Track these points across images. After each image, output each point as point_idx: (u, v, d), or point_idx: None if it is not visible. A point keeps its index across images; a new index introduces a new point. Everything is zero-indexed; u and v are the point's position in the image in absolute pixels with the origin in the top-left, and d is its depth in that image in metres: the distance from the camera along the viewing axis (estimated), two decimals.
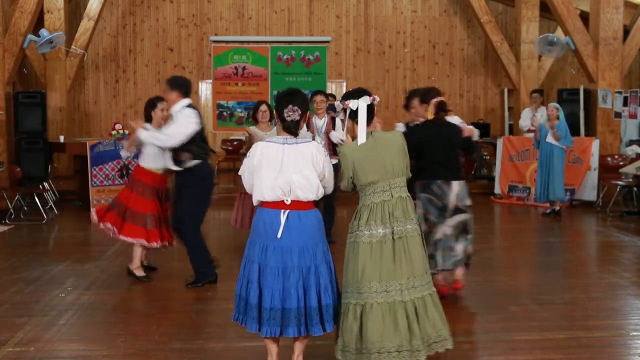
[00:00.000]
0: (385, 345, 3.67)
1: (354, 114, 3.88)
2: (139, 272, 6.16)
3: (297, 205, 3.74)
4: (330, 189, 3.89)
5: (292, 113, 3.77)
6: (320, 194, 3.80)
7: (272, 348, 3.93)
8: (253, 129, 7.71)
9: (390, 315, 3.70)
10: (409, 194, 3.94)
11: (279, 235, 3.68)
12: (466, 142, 5.53)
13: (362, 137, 3.84)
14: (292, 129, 3.80)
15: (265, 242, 3.73)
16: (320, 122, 7.69)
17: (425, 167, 5.18)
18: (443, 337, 3.80)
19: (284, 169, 3.72)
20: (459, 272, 5.46)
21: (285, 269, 3.69)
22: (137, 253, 6.14)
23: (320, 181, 3.79)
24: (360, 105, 3.84)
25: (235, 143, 12.99)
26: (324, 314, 3.75)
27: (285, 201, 3.73)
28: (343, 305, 3.83)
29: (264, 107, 7.72)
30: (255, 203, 3.85)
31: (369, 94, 3.93)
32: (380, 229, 3.79)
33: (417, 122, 5.55)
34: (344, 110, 3.91)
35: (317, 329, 3.74)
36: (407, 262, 3.79)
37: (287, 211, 3.72)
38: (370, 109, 3.89)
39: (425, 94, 5.46)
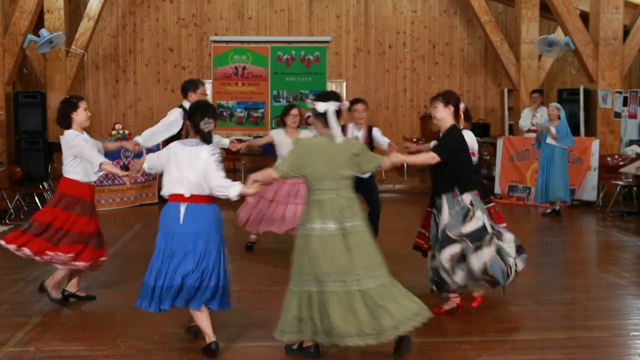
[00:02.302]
0: (348, 330, 4.02)
1: (321, 115, 4.24)
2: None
3: (195, 199, 4.27)
4: (217, 191, 4.26)
5: (208, 125, 4.32)
6: (211, 192, 4.28)
7: (202, 316, 4.38)
8: (278, 135, 7.24)
9: (348, 303, 4.03)
10: (354, 195, 4.28)
11: (180, 222, 4.25)
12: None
13: (338, 138, 4.20)
14: (208, 138, 4.35)
15: (169, 230, 4.29)
16: (358, 133, 7.07)
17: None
18: (410, 316, 4.10)
19: (184, 168, 4.27)
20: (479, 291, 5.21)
21: (183, 252, 4.25)
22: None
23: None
24: (329, 109, 4.20)
25: None
26: (211, 293, 4.30)
27: (185, 195, 4.27)
28: (292, 292, 4.20)
29: (295, 112, 7.17)
30: (163, 195, 4.40)
31: (340, 100, 4.28)
32: (331, 223, 4.12)
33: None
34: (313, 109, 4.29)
35: (214, 304, 4.34)
36: (361, 254, 4.12)
37: (187, 203, 4.27)
38: (340, 113, 4.28)
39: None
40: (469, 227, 4.84)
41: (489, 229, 4.93)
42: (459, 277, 4.90)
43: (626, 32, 11.48)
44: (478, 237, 4.86)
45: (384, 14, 14.57)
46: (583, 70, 11.85)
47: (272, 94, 12.80)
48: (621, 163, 10.79)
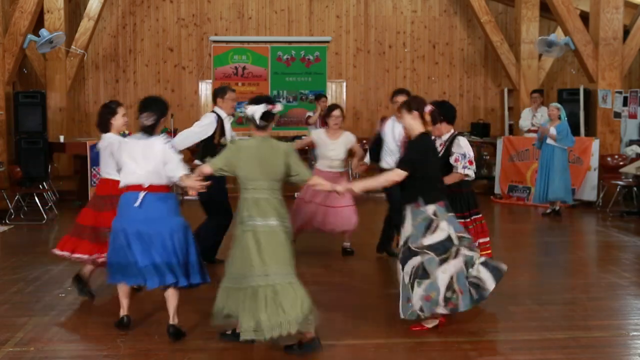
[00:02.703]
0: (249, 324, 4.22)
1: (252, 119, 4.41)
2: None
3: (152, 188, 4.56)
4: (176, 178, 4.56)
5: (146, 119, 4.64)
6: (169, 181, 4.59)
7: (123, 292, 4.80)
8: (319, 135, 7.08)
9: (255, 297, 4.23)
10: (281, 197, 4.43)
11: (138, 207, 4.54)
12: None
13: (257, 138, 4.46)
14: (148, 130, 4.64)
15: (129, 218, 4.57)
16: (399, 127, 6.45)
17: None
18: (301, 319, 4.20)
19: (139, 160, 4.58)
20: None
21: (147, 235, 4.53)
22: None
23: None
24: (256, 111, 4.38)
25: None
26: (185, 269, 4.61)
27: (143, 185, 4.56)
28: (226, 288, 4.41)
29: (337, 112, 6.84)
30: (121, 187, 4.67)
31: (272, 103, 4.45)
32: (259, 221, 4.31)
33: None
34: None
35: (182, 280, 4.59)
36: (275, 253, 4.29)
37: (144, 192, 4.55)
38: (269, 116, 4.43)
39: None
40: (432, 238, 4.61)
41: (456, 241, 4.65)
42: (417, 296, 4.58)
43: (626, 32, 11.48)
44: (443, 250, 4.60)
45: (384, 14, 14.57)
46: (583, 70, 11.85)
47: (272, 94, 12.78)
48: (621, 163, 10.79)
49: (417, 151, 4.70)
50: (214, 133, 6.50)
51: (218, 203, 6.54)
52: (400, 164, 4.73)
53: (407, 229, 4.69)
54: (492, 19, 13.54)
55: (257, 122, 4.40)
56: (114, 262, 4.64)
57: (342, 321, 5.04)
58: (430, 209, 4.65)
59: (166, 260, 4.53)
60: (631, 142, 11.64)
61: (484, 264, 4.71)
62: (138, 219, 4.54)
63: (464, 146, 5.38)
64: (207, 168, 4.47)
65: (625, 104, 11.51)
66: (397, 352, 4.47)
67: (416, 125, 4.73)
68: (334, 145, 6.93)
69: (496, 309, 5.32)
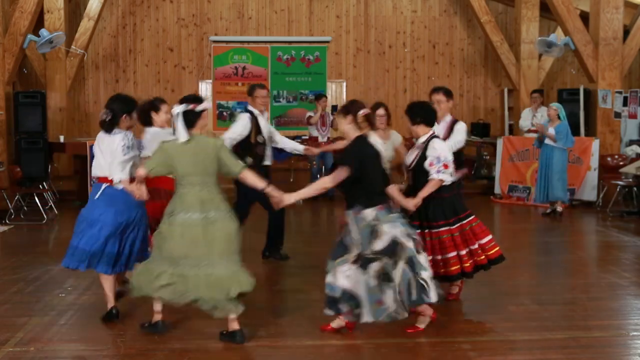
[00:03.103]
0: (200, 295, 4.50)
1: (176, 117, 4.56)
2: None
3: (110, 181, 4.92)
4: (115, 179, 4.89)
5: (104, 115, 4.92)
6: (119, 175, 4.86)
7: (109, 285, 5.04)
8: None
9: (197, 282, 4.49)
10: (219, 190, 4.64)
11: (96, 196, 4.96)
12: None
13: (181, 137, 4.53)
14: (105, 126, 4.95)
15: (92, 206, 5.00)
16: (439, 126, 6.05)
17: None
18: (232, 305, 4.51)
19: (106, 154, 4.92)
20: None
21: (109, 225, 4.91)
22: None
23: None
24: (178, 111, 4.55)
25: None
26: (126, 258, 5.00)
27: (108, 177, 4.91)
28: (155, 269, 4.56)
29: (381, 111, 6.20)
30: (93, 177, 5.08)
31: (196, 102, 4.61)
32: (194, 214, 4.50)
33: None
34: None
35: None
36: (218, 242, 4.50)
37: (106, 185, 4.93)
38: (192, 115, 4.57)
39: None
40: (379, 244, 4.52)
41: (402, 238, 4.55)
42: (390, 298, 4.50)
43: (626, 32, 11.48)
44: (392, 252, 4.52)
45: (384, 14, 14.57)
46: (583, 70, 11.85)
47: (272, 94, 12.80)
48: (621, 163, 10.79)
49: (352, 156, 4.58)
50: (250, 132, 6.69)
51: (241, 206, 6.56)
52: (342, 166, 4.58)
53: (355, 236, 4.58)
54: (492, 19, 13.54)
55: (180, 122, 4.53)
56: (85, 249, 4.93)
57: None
58: (370, 214, 4.54)
59: (116, 250, 4.94)
60: (631, 142, 11.64)
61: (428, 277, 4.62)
62: (97, 208, 4.95)
63: (438, 149, 5.05)
64: (142, 170, 4.63)
65: (625, 104, 11.51)
66: (396, 352, 4.47)
67: (350, 130, 4.68)
68: (385, 146, 6.21)
69: (496, 309, 5.32)
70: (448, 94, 5.81)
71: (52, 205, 9.95)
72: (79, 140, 11.61)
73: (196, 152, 4.52)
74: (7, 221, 9.28)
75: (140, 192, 4.71)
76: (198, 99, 4.67)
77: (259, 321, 4.98)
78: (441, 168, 5.00)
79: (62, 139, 11.43)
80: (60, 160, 12.68)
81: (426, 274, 4.57)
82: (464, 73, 14.70)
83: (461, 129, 5.69)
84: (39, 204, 9.61)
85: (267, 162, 6.87)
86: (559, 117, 9.63)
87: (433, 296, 4.59)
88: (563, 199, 9.83)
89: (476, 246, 5.23)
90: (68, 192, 11.08)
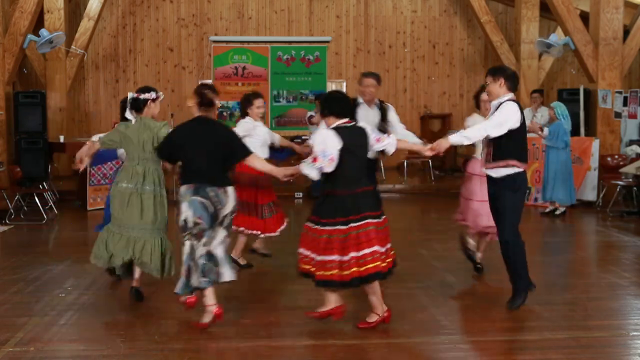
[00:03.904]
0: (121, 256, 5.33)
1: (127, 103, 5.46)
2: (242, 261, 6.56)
3: None
4: None
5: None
6: None
7: None
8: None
9: (128, 243, 5.32)
10: (157, 168, 5.36)
11: None
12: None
13: (131, 119, 5.40)
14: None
15: None
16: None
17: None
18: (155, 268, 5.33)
19: None
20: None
21: None
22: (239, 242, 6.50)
23: None
24: (128, 98, 5.45)
25: None
26: None
27: None
28: (105, 229, 5.45)
29: (484, 96, 6.16)
30: None
31: (144, 92, 5.39)
32: (129, 184, 5.29)
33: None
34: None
35: None
36: (146, 212, 5.28)
37: None
38: (138, 102, 5.36)
39: None
40: (179, 218, 4.81)
41: (190, 225, 4.71)
42: (194, 277, 4.75)
43: (626, 32, 11.47)
44: (183, 230, 4.79)
45: (384, 14, 14.57)
46: (583, 70, 11.85)
47: (272, 94, 12.80)
48: (621, 163, 10.78)
49: (169, 137, 5.04)
50: None
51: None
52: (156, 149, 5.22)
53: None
54: (492, 19, 13.54)
55: (129, 107, 5.42)
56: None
57: (342, 321, 5.04)
58: (182, 189, 4.82)
59: None
60: (631, 142, 11.63)
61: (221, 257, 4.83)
62: None
63: (316, 139, 4.70)
64: (96, 143, 5.35)
65: (625, 104, 11.50)
66: (396, 352, 4.47)
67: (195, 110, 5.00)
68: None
69: (496, 309, 5.32)
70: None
71: (52, 205, 9.95)
72: (79, 140, 11.60)
73: (139, 132, 5.24)
74: (7, 221, 9.28)
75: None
76: (147, 89, 5.43)
77: (259, 321, 4.98)
78: (310, 160, 4.64)
79: (62, 139, 11.43)
80: (60, 160, 12.68)
81: (202, 261, 4.72)
82: (464, 73, 14.70)
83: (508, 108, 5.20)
84: (39, 204, 9.61)
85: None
86: (557, 117, 9.61)
87: (202, 285, 4.73)
88: (562, 200, 9.79)
89: (348, 257, 4.59)
90: (68, 192, 11.08)
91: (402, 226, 8.82)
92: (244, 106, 6.39)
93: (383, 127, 6.17)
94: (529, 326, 4.93)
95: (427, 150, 5.19)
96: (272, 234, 6.42)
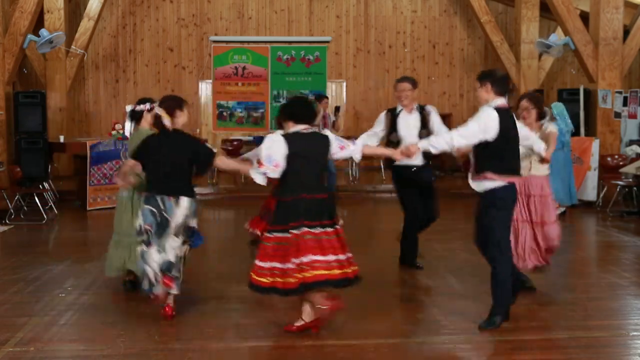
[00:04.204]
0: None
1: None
2: None
3: None
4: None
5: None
6: None
7: None
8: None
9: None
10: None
11: None
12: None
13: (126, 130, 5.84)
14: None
15: None
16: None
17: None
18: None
19: None
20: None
21: None
22: None
23: None
24: (128, 110, 5.85)
25: (235, 143, 12.97)
26: None
27: None
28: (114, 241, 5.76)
29: (525, 104, 5.71)
30: None
31: (143, 103, 5.69)
32: (124, 192, 5.65)
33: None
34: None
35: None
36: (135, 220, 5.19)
37: None
38: (135, 113, 5.69)
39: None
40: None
41: (141, 232, 4.89)
42: (145, 281, 4.93)
43: (626, 32, 11.48)
44: (138, 235, 5.00)
45: (384, 14, 14.57)
46: (583, 70, 11.85)
47: (272, 94, 12.80)
48: (621, 163, 10.78)
49: (145, 141, 5.12)
50: None
51: (404, 201, 6.42)
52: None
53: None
54: (492, 19, 13.54)
55: (127, 118, 5.88)
56: None
57: (342, 321, 5.04)
58: (143, 196, 5.07)
59: None
60: (631, 142, 11.63)
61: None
62: None
63: (264, 143, 4.62)
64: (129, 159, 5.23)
65: (625, 104, 11.50)
66: (397, 352, 4.47)
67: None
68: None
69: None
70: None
71: (52, 205, 9.95)
72: (79, 140, 11.61)
73: (133, 142, 5.42)
74: (7, 221, 9.28)
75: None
76: (142, 101, 5.72)
77: (258, 321, 4.98)
78: (256, 165, 4.61)
79: (62, 139, 11.43)
80: (60, 160, 12.68)
81: (149, 269, 4.86)
82: (464, 73, 14.71)
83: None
84: (39, 204, 9.61)
85: None
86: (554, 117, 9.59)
87: (156, 290, 4.87)
88: (562, 201, 9.78)
89: (290, 264, 4.48)
90: (68, 192, 11.08)
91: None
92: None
93: (424, 133, 6.02)
94: (529, 326, 4.93)
95: (397, 154, 5.04)
96: None
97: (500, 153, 4.66)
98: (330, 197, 4.64)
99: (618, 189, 10.25)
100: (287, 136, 4.54)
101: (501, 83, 4.76)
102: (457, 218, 9.13)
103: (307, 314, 4.64)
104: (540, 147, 5.38)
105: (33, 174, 10.50)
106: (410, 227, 6.42)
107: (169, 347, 4.52)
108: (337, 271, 4.44)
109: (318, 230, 4.45)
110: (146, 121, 5.60)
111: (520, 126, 5.09)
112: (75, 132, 13.77)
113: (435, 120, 6.26)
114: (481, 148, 4.65)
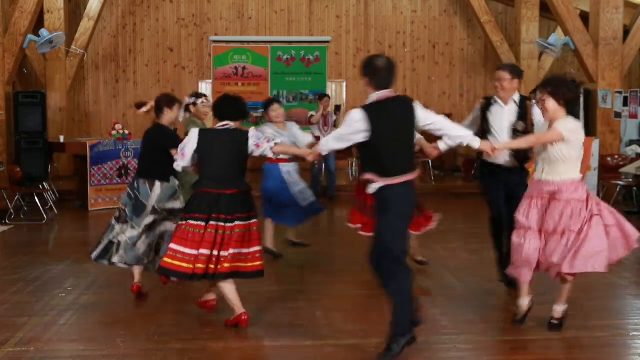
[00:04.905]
0: None
1: None
2: None
3: None
4: None
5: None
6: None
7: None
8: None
9: None
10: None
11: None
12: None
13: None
14: None
15: None
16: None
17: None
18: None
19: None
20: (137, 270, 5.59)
21: None
22: None
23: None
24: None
25: None
26: None
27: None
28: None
29: (539, 95, 5.39)
30: None
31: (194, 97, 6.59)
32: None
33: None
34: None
35: None
36: None
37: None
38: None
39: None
40: None
41: (120, 210, 5.59)
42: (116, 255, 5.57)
43: (626, 32, 11.48)
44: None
45: (384, 14, 14.58)
46: (583, 70, 11.85)
47: (272, 94, 12.80)
48: (621, 163, 10.78)
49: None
50: None
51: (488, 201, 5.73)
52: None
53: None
54: (492, 19, 13.55)
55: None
56: None
57: (342, 321, 5.05)
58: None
59: None
60: (631, 142, 11.64)
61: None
62: None
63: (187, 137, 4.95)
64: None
65: (625, 104, 11.51)
66: None
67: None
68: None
69: (496, 309, 5.32)
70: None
71: (52, 205, 9.95)
72: (79, 140, 11.61)
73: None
74: (7, 221, 9.28)
75: None
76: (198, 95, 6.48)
77: (258, 321, 4.98)
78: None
79: (62, 139, 11.43)
80: (60, 160, 12.68)
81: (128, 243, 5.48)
82: (464, 73, 14.70)
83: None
84: (39, 204, 9.61)
85: None
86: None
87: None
88: None
89: (198, 252, 4.71)
90: (68, 192, 11.08)
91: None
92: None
93: (518, 126, 5.48)
94: (529, 326, 4.92)
95: (309, 154, 4.80)
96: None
97: (378, 152, 4.13)
98: (241, 193, 4.72)
99: (618, 189, 10.25)
100: (201, 132, 4.85)
101: (381, 74, 4.16)
102: (457, 218, 9.13)
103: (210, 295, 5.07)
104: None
105: (33, 174, 10.50)
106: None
107: (169, 347, 4.52)
108: (201, 265, 4.62)
109: (232, 224, 4.65)
110: (165, 117, 5.61)
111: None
112: (75, 132, 13.77)
113: (536, 115, 5.48)
114: (361, 149, 4.23)
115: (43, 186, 10.48)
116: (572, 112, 4.74)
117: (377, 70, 4.15)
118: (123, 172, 10.31)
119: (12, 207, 9.51)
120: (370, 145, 4.11)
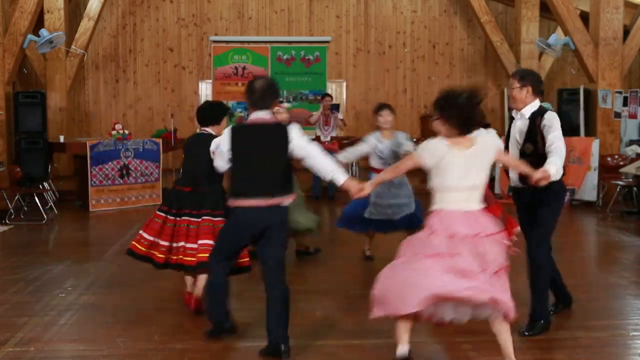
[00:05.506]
0: None
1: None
2: None
3: None
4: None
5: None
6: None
7: None
8: None
9: None
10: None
11: None
12: None
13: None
14: None
15: None
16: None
17: None
18: None
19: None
20: None
21: None
22: None
23: None
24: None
25: None
26: None
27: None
28: None
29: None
30: None
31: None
32: None
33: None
34: None
35: None
36: None
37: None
38: None
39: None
40: None
41: None
42: None
43: (626, 32, 11.48)
44: None
45: (384, 14, 14.57)
46: (583, 70, 11.85)
47: None
48: (621, 163, 10.78)
49: None
50: None
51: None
52: None
53: None
54: (492, 19, 13.55)
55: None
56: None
57: (342, 321, 5.04)
58: None
59: None
60: (631, 142, 11.63)
61: None
62: None
63: None
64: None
65: (625, 104, 11.51)
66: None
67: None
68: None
69: None
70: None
71: (52, 205, 9.94)
72: (79, 140, 11.61)
73: None
74: (7, 221, 9.28)
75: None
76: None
77: (258, 321, 4.98)
78: None
79: (62, 139, 11.44)
80: (60, 160, 12.68)
81: None
82: (464, 73, 14.70)
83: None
84: (39, 204, 9.61)
85: None
86: None
87: None
88: None
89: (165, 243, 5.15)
90: (68, 192, 11.08)
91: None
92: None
93: (526, 149, 5.02)
94: None
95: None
96: None
97: (234, 173, 4.30)
98: (211, 190, 5.03)
99: (618, 189, 10.25)
100: (193, 136, 5.43)
101: (255, 95, 4.24)
102: None
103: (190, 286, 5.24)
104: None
105: (33, 174, 10.50)
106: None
107: (169, 347, 4.52)
108: (160, 255, 5.10)
109: (197, 219, 5.03)
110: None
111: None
112: (75, 132, 13.77)
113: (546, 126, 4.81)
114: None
115: (43, 186, 10.48)
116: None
117: (253, 92, 4.24)
118: (124, 172, 10.30)
119: (12, 207, 9.51)
120: (232, 165, 4.32)
